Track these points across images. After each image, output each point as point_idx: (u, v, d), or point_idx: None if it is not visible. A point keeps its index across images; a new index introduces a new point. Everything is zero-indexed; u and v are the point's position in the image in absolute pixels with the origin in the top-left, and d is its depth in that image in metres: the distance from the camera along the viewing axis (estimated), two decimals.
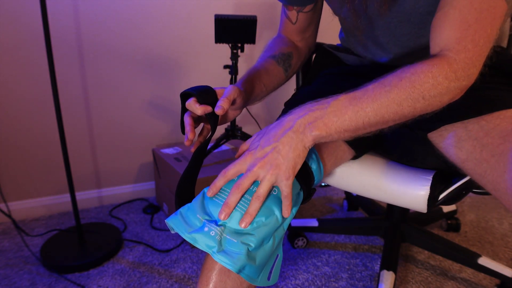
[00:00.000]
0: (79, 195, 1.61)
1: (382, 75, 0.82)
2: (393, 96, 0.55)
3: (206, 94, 0.64)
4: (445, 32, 0.57)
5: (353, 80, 0.86)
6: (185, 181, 0.63)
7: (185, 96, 0.66)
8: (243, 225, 0.53)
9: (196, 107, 0.62)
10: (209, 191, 0.57)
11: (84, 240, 1.30)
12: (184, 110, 0.67)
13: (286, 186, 0.55)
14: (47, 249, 1.29)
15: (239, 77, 1.72)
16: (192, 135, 0.64)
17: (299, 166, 0.56)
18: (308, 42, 0.92)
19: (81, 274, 1.21)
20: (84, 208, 1.64)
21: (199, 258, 1.30)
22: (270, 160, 0.55)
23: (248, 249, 0.53)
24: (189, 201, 0.59)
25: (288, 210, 0.56)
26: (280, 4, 0.88)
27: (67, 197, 1.59)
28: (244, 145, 0.62)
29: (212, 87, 0.67)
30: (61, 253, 1.26)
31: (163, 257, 1.31)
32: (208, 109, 0.63)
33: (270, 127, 0.59)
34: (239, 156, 0.61)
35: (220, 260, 0.51)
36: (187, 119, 0.66)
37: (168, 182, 1.49)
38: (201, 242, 0.52)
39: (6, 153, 1.45)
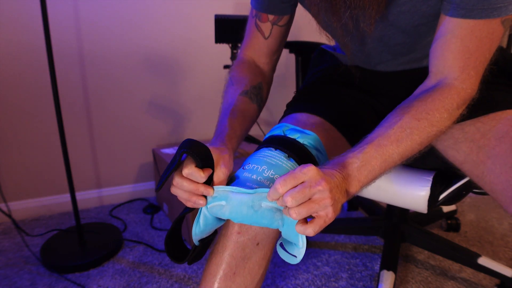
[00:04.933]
0: (79, 195, 1.61)
1: (378, 82, 0.79)
2: (416, 138, 0.57)
3: (206, 159, 0.54)
4: (448, 61, 0.59)
5: (347, 76, 0.86)
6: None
7: (182, 152, 0.53)
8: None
9: (201, 176, 0.52)
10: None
11: (84, 240, 1.30)
12: (173, 164, 0.54)
13: (327, 220, 0.50)
14: (47, 249, 1.29)
15: None
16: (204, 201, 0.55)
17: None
18: (274, 65, 0.84)
19: (81, 274, 1.21)
20: (84, 208, 1.64)
21: None
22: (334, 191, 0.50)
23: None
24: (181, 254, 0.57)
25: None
26: None
27: (67, 197, 1.59)
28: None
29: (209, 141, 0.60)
30: (61, 253, 1.26)
31: (163, 257, 1.31)
32: (210, 172, 0.55)
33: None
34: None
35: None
36: (192, 188, 0.53)
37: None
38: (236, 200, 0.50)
39: (6, 153, 1.45)
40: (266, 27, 0.77)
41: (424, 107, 0.58)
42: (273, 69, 0.85)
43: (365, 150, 0.56)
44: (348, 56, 0.83)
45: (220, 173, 0.55)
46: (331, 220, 0.49)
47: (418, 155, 0.60)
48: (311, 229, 0.48)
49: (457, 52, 0.58)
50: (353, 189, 0.54)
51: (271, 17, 0.76)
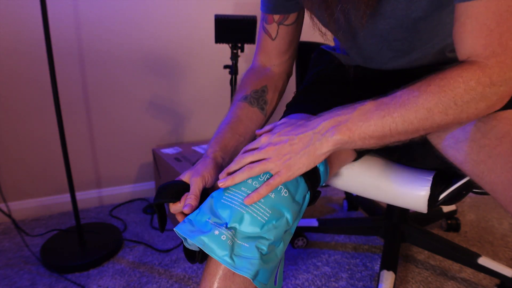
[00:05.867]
0: (79, 195, 1.61)
1: (379, 81, 0.80)
2: (422, 101, 0.53)
3: (177, 192, 0.62)
4: (468, 42, 0.55)
5: (347, 76, 0.86)
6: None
7: (159, 203, 0.63)
8: (247, 201, 0.53)
9: (179, 206, 0.61)
10: (222, 174, 0.58)
11: (84, 240, 1.30)
12: (160, 213, 0.64)
13: (276, 179, 0.55)
14: (47, 249, 1.29)
15: (239, 77, 1.72)
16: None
17: (302, 171, 0.56)
18: (286, 66, 0.85)
19: (81, 274, 1.21)
20: (84, 208, 1.64)
21: None
22: (280, 148, 0.55)
23: (261, 253, 0.52)
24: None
25: (256, 196, 0.54)
26: None
27: (67, 197, 1.59)
28: (269, 125, 0.64)
29: (186, 175, 0.65)
30: (61, 253, 1.26)
31: (163, 257, 1.31)
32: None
33: (298, 121, 0.60)
34: (261, 134, 0.63)
35: (234, 267, 0.50)
36: (181, 219, 0.63)
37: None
38: (211, 246, 0.51)
39: (6, 153, 1.45)
40: (272, 28, 0.78)
41: (438, 75, 0.54)
42: (286, 70, 0.86)
43: (365, 103, 0.56)
44: (341, 45, 0.84)
45: (194, 184, 0.62)
46: (285, 175, 0.55)
47: (426, 130, 0.56)
48: (269, 185, 0.55)
49: (475, 31, 0.53)
50: (341, 135, 0.55)
51: (276, 17, 0.77)
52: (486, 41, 0.52)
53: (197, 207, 0.59)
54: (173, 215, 0.66)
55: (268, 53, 0.82)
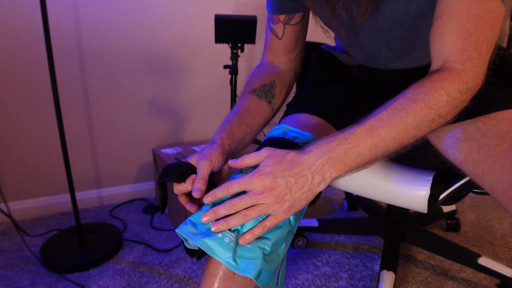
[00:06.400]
0: (79, 195, 1.61)
1: (380, 81, 0.79)
2: (410, 121, 0.54)
3: (183, 173, 0.62)
4: (447, 43, 0.56)
5: (348, 76, 0.87)
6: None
7: (164, 182, 0.63)
8: (241, 241, 0.52)
9: (184, 187, 0.61)
10: (207, 198, 0.55)
11: (84, 240, 1.30)
12: (163, 193, 0.65)
13: (273, 221, 0.53)
14: (47, 249, 1.29)
15: (239, 77, 1.72)
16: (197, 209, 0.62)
17: (299, 210, 0.55)
18: (294, 64, 0.87)
19: (81, 274, 1.21)
20: (84, 208, 1.64)
21: None
22: (278, 193, 0.52)
23: (264, 253, 0.52)
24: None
25: (251, 237, 0.52)
26: None
27: (67, 197, 1.59)
28: (248, 159, 0.57)
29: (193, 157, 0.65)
30: (61, 253, 1.26)
31: (163, 257, 1.31)
32: (194, 176, 0.62)
33: (284, 154, 0.55)
34: (238, 166, 0.58)
35: (237, 269, 0.51)
36: (183, 201, 0.64)
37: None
38: (215, 249, 0.51)
39: (6, 153, 1.45)
40: (278, 28, 0.80)
41: (421, 88, 0.55)
42: (294, 67, 0.87)
43: (356, 132, 0.54)
44: (344, 45, 0.84)
45: (202, 167, 0.62)
46: (283, 217, 0.54)
47: (413, 144, 0.57)
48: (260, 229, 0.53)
49: (455, 32, 0.55)
50: (338, 173, 0.54)
51: (282, 17, 0.79)
52: (463, 45, 0.55)
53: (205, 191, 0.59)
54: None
55: (276, 51, 0.84)
